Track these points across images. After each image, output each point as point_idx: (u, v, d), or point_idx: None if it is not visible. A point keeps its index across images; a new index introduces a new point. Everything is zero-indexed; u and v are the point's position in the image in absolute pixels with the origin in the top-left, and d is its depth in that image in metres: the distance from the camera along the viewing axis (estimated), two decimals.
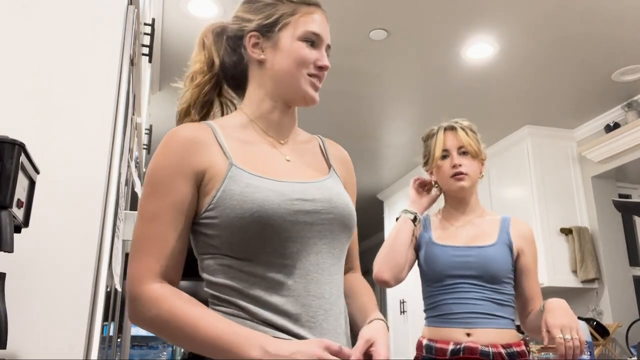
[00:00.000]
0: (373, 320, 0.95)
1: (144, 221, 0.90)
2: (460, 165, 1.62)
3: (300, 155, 1.06)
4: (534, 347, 3.44)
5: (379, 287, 5.44)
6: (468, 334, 1.51)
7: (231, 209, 0.89)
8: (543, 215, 3.76)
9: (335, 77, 3.35)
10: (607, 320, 3.54)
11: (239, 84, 1.09)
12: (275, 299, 0.89)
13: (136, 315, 0.88)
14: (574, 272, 3.67)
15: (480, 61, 3.16)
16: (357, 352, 0.87)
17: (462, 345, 1.50)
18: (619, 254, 3.73)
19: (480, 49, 3.04)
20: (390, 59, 3.16)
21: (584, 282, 3.64)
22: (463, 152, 1.63)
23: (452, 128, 1.66)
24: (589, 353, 3.12)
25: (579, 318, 3.21)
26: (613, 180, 3.90)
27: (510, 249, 1.59)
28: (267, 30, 1.03)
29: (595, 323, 3.41)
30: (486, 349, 1.48)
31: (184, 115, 1.07)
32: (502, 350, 1.48)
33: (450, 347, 1.51)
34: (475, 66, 3.22)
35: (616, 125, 3.61)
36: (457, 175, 1.62)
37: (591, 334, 3.26)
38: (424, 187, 1.74)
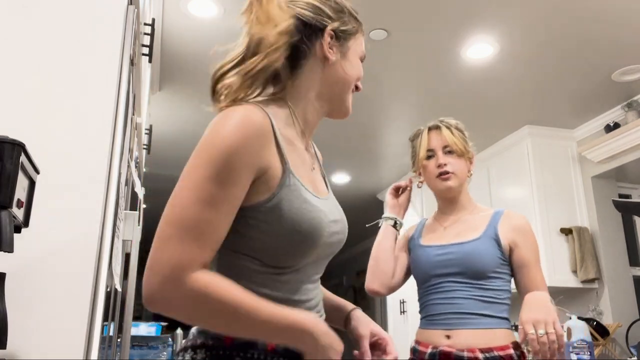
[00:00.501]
0: (353, 309, 1.04)
1: (200, 202, 0.81)
2: (445, 164, 1.59)
3: (313, 161, 1.05)
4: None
5: None
6: (448, 336, 1.47)
7: (289, 221, 0.87)
8: (543, 215, 3.76)
9: None
10: (607, 320, 3.54)
11: (278, 74, 0.99)
12: (291, 297, 0.91)
13: (176, 302, 0.79)
14: (574, 272, 3.67)
15: (480, 61, 3.16)
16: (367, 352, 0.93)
17: (438, 350, 1.47)
18: (619, 254, 3.73)
19: (480, 49, 3.04)
20: (390, 59, 3.16)
21: (584, 282, 3.64)
22: (448, 151, 1.61)
23: (436, 127, 1.64)
24: (589, 353, 3.12)
25: (579, 318, 3.22)
26: (613, 180, 3.90)
27: (498, 243, 1.52)
28: (341, 36, 1.01)
29: (595, 323, 3.41)
30: (461, 353, 1.42)
31: (245, 86, 0.94)
32: (480, 355, 1.41)
33: (429, 350, 1.49)
34: (475, 66, 3.22)
35: (616, 125, 3.61)
36: (443, 175, 1.60)
37: (591, 334, 3.26)
38: (398, 191, 1.75)
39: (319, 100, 1.00)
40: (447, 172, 1.59)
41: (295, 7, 0.98)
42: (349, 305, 1.08)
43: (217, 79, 0.95)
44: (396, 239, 1.70)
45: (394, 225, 1.70)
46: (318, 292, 0.99)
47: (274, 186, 0.88)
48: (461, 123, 1.69)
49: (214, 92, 0.95)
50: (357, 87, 1.05)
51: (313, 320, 0.85)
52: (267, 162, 0.87)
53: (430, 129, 1.66)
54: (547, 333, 1.26)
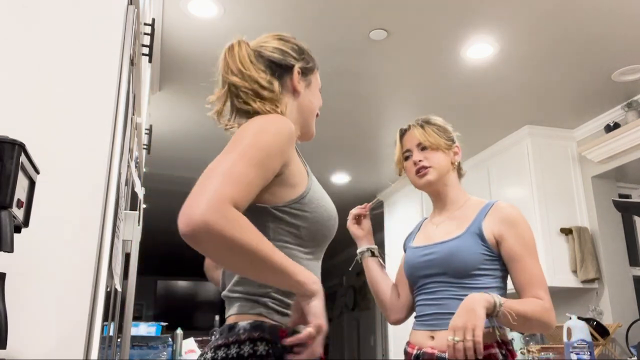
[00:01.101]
0: None
1: (245, 162, 0.95)
2: (420, 160, 1.60)
3: None
4: (533, 347, 3.44)
5: None
6: (432, 337, 1.47)
7: (324, 209, 1.09)
8: (543, 215, 3.76)
9: (335, 77, 3.35)
10: (607, 320, 3.54)
11: (254, 99, 1.17)
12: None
13: (216, 225, 0.86)
14: (574, 272, 3.67)
15: (480, 61, 3.16)
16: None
17: (421, 351, 1.47)
18: (619, 254, 3.73)
19: (480, 49, 3.04)
20: (390, 59, 3.16)
21: (584, 282, 3.64)
22: (422, 147, 1.61)
23: (408, 128, 1.67)
24: (589, 353, 3.12)
25: (579, 318, 3.22)
26: (613, 180, 3.90)
27: (481, 238, 1.48)
28: (306, 72, 1.24)
29: (595, 323, 3.41)
30: (443, 354, 1.40)
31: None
32: None
33: (414, 351, 1.49)
34: (475, 66, 3.22)
35: (616, 125, 3.61)
36: (420, 172, 1.60)
37: (591, 334, 3.26)
38: (357, 219, 1.74)
39: (297, 123, 1.20)
40: (425, 167, 1.59)
41: (265, 52, 1.20)
42: None
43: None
44: (380, 264, 1.71)
45: (371, 255, 1.71)
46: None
47: (305, 180, 1.09)
48: (440, 118, 1.69)
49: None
50: (317, 115, 1.27)
51: (312, 277, 0.99)
52: (289, 157, 1.06)
53: (403, 130, 1.68)
54: (464, 340, 1.24)
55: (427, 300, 1.53)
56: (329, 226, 1.11)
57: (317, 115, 1.27)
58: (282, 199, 1.05)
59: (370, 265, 1.70)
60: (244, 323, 1.04)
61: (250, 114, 1.13)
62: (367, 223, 1.74)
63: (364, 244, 1.71)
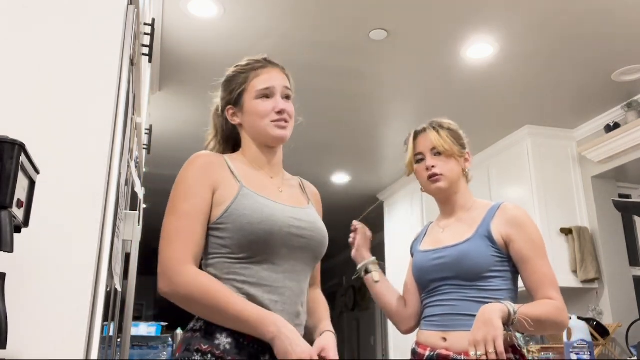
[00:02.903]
0: (324, 332, 1.26)
1: (176, 217, 1.18)
2: (433, 166, 1.58)
3: (288, 188, 1.37)
4: (533, 347, 3.44)
5: None
6: (444, 339, 1.46)
7: (243, 217, 1.19)
8: (543, 215, 3.76)
9: (336, 77, 3.35)
10: (607, 320, 3.54)
11: (236, 143, 1.40)
12: (263, 287, 1.19)
13: (175, 288, 1.12)
14: (574, 272, 3.67)
15: (480, 61, 3.16)
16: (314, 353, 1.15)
17: (435, 352, 1.46)
18: (619, 254, 3.73)
19: (480, 49, 3.04)
20: (390, 59, 3.16)
21: (584, 282, 3.65)
22: (436, 152, 1.59)
23: (423, 130, 1.64)
24: (589, 353, 3.12)
25: (579, 318, 3.22)
26: (613, 180, 3.90)
27: (491, 240, 1.48)
28: (235, 101, 1.34)
29: (595, 323, 3.41)
30: (458, 357, 1.40)
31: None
32: None
33: (427, 353, 1.48)
34: (475, 66, 3.22)
35: (616, 125, 3.61)
36: (432, 178, 1.58)
37: (591, 334, 3.26)
38: (354, 232, 1.77)
39: (255, 144, 1.35)
40: (436, 175, 1.58)
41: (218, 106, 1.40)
42: (328, 325, 1.30)
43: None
44: (373, 278, 1.71)
45: (366, 272, 1.73)
46: (299, 285, 1.25)
47: (232, 197, 1.21)
48: (454, 123, 1.67)
49: None
50: (279, 112, 1.31)
51: (276, 316, 1.13)
52: (221, 180, 1.23)
53: (417, 132, 1.65)
54: (486, 353, 1.25)
55: (437, 302, 1.52)
56: (254, 231, 1.18)
57: (280, 113, 1.31)
58: (213, 218, 1.21)
59: (371, 283, 1.71)
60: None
61: None
62: (359, 238, 1.77)
63: (360, 261, 1.74)
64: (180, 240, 1.15)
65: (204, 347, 1.13)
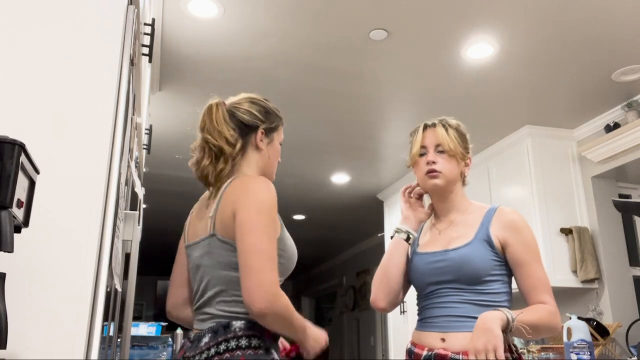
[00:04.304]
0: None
1: (269, 240, 1.26)
2: (434, 162, 1.58)
3: None
4: (533, 347, 3.44)
5: None
6: (443, 339, 1.46)
7: (291, 247, 1.39)
8: (543, 215, 3.76)
9: (335, 77, 3.35)
10: (607, 320, 3.54)
11: (221, 153, 1.42)
12: None
13: (276, 309, 1.22)
14: (574, 272, 3.67)
15: (480, 61, 3.16)
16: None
17: (433, 352, 1.46)
18: (619, 254, 3.73)
19: (480, 49, 3.04)
20: (390, 59, 3.16)
21: (584, 282, 3.65)
22: (440, 150, 1.59)
23: (433, 125, 1.63)
24: (589, 353, 3.12)
25: (579, 318, 3.22)
26: (613, 180, 3.90)
27: (490, 244, 1.49)
28: (269, 131, 1.48)
29: (595, 323, 3.41)
30: (457, 356, 1.41)
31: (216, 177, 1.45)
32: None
33: (424, 352, 1.48)
34: (475, 66, 3.22)
35: (616, 125, 3.61)
36: (431, 173, 1.58)
37: (591, 334, 3.26)
38: (412, 194, 1.67)
39: (260, 172, 1.46)
40: (435, 171, 1.57)
41: (237, 113, 1.45)
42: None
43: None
44: (409, 251, 1.65)
45: (407, 239, 1.64)
46: None
47: (280, 226, 1.36)
48: (463, 125, 1.67)
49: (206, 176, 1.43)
50: (278, 162, 1.53)
51: (315, 329, 1.39)
52: None
53: (426, 126, 1.64)
54: None
55: (437, 305, 1.52)
56: (294, 261, 1.40)
57: (278, 162, 1.54)
58: None
59: (399, 247, 1.63)
60: (240, 322, 1.29)
61: (215, 168, 1.41)
62: (420, 214, 1.67)
63: (407, 225, 1.65)
64: (275, 264, 1.25)
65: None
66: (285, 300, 1.24)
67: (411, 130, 1.71)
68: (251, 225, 1.26)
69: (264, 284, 1.21)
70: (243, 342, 1.25)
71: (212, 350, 1.25)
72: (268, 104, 1.51)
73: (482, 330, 1.31)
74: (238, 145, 1.42)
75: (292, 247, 1.39)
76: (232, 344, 1.25)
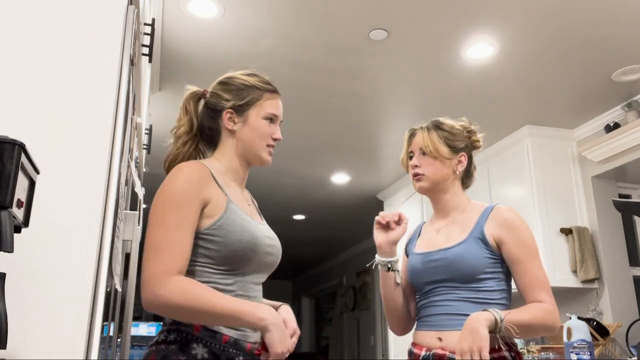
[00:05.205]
0: (280, 305, 1.37)
1: (165, 229, 1.17)
2: (416, 166, 1.61)
3: (250, 201, 1.44)
4: (533, 347, 3.44)
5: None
6: (440, 339, 1.47)
7: (233, 233, 1.24)
8: (543, 215, 3.76)
9: (335, 77, 3.35)
10: (607, 320, 3.54)
11: (212, 141, 1.41)
12: (239, 297, 1.25)
13: (159, 299, 1.12)
14: (574, 272, 3.67)
15: (480, 61, 3.16)
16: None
17: (431, 352, 1.46)
18: (619, 254, 3.73)
19: (480, 49, 3.04)
20: (390, 59, 3.16)
21: (584, 282, 3.64)
22: (423, 152, 1.62)
23: (420, 129, 1.66)
24: (589, 353, 3.12)
25: (579, 318, 3.22)
26: (613, 180, 3.90)
27: (484, 242, 1.50)
28: (239, 109, 1.36)
29: (595, 323, 3.41)
30: (454, 356, 1.41)
31: (171, 163, 1.39)
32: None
33: (422, 353, 1.49)
34: (475, 66, 3.22)
35: (616, 125, 3.61)
36: (415, 177, 1.62)
37: (591, 334, 3.26)
38: (381, 224, 1.60)
39: (238, 157, 1.38)
40: (417, 174, 1.61)
41: (208, 99, 1.40)
42: (278, 303, 1.40)
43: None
44: (391, 277, 1.62)
45: (388, 269, 1.61)
46: (260, 294, 1.34)
47: (221, 211, 1.25)
48: (458, 124, 1.65)
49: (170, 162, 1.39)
50: (275, 139, 1.39)
51: (267, 307, 1.20)
52: (208, 195, 1.24)
53: (413, 130, 1.68)
54: None
55: (432, 303, 1.53)
56: (239, 248, 1.24)
57: (276, 139, 1.39)
58: (199, 228, 1.23)
59: (384, 278, 1.62)
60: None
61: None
62: (395, 234, 1.59)
63: (382, 256, 1.60)
64: (169, 252, 1.16)
65: (183, 358, 1.15)
66: (175, 287, 1.13)
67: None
68: (150, 219, 1.21)
69: (146, 274, 1.14)
70: (162, 336, 1.21)
71: (154, 341, 1.23)
72: (241, 79, 1.39)
73: (468, 331, 1.33)
74: (186, 131, 1.38)
75: (235, 233, 1.24)
76: (155, 339, 1.22)
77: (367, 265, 1.71)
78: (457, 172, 1.63)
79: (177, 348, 1.16)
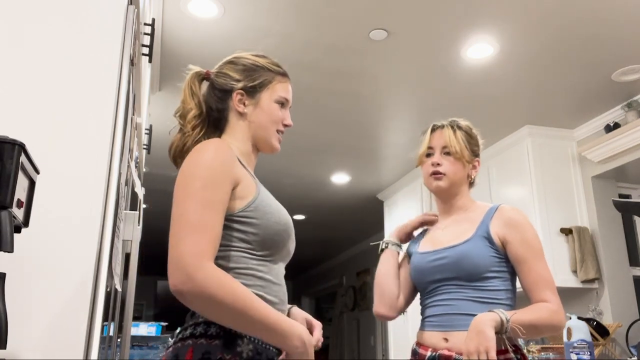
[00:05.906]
0: (291, 307, 1.31)
1: (201, 205, 1.06)
2: (439, 164, 1.59)
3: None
4: (533, 347, 3.44)
5: None
6: (446, 339, 1.46)
7: (270, 215, 1.16)
8: (543, 215, 3.76)
9: (336, 77, 3.35)
10: (607, 320, 3.54)
11: (217, 124, 1.32)
12: (275, 285, 1.19)
13: (196, 286, 0.99)
14: (574, 272, 3.67)
15: (480, 61, 3.16)
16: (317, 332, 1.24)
17: (437, 353, 1.46)
18: (619, 254, 3.73)
19: (480, 49, 3.04)
20: (390, 59, 3.16)
21: (584, 282, 3.64)
22: (446, 152, 1.60)
23: (441, 126, 1.64)
24: (589, 353, 3.12)
25: (579, 318, 3.22)
26: (613, 180, 3.90)
27: (490, 240, 1.50)
28: (250, 91, 1.28)
29: (595, 323, 3.41)
30: (460, 357, 1.40)
31: (178, 150, 1.32)
32: None
33: (428, 353, 1.48)
34: (475, 66, 3.22)
35: (616, 125, 3.61)
36: (435, 175, 1.59)
37: (591, 334, 3.26)
38: (422, 223, 1.73)
39: (247, 140, 1.29)
40: (439, 173, 1.58)
41: (214, 78, 1.31)
42: (288, 305, 1.32)
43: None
44: (397, 260, 1.69)
45: (386, 248, 1.71)
46: (284, 285, 1.24)
47: (254, 191, 1.17)
48: (474, 128, 1.66)
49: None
50: (285, 125, 1.32)
51: (301, 328, 1.10)
52: (238, 175, 1.16)
53: (435, 127, 1.65)
54: None
55: (437, 302, 1.52)
56: (278, 231, 1.17)
57: (286, 126, 1.32)
58: (231, 210, 1.13)
59: (387, 257, 1.69)
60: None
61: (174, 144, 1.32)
62: (422, 219, 1.73)
63: (394, 236, 1.72)
64: (205, 233, 1.03)
65: (228, 356, 1.05)
66: (212, 275, 1.00)
67: (422, 130, 1.72)
68: (179, 193, 1.09)
69: (179, 255, 1.00)
70: (200, 329, 1.08)
71: (180, 335, 1.12)
72: (251, 59, 1.31)
73: (474, 332, 1.32)
74: (196, 114, 1.28)
75: (273, 215, 1.17)
76: (188, 331, 1.10)
77: (374, 243, 1.77)
78: (472, 177, 1.64)
79: (220, 344, 1.05)
